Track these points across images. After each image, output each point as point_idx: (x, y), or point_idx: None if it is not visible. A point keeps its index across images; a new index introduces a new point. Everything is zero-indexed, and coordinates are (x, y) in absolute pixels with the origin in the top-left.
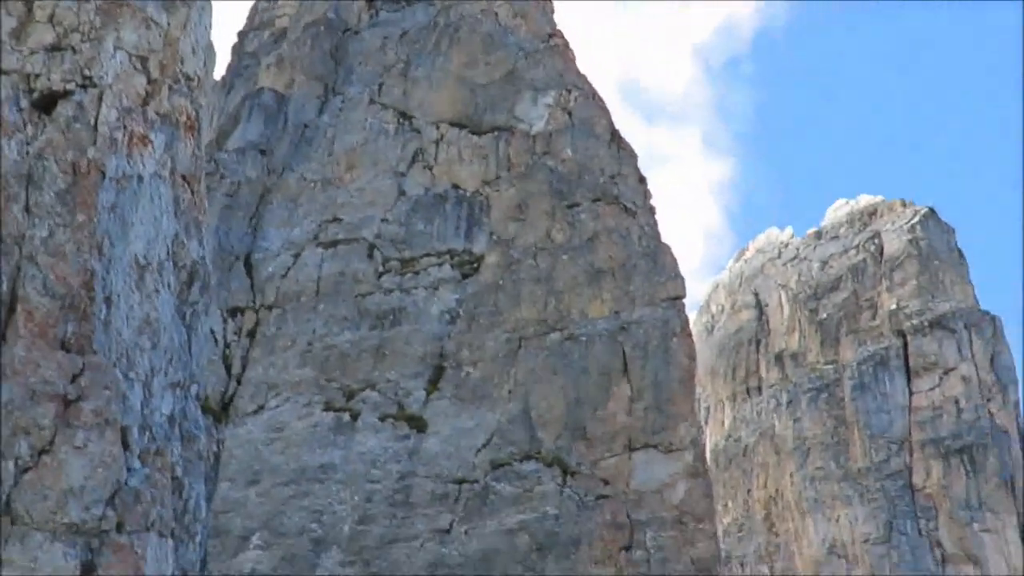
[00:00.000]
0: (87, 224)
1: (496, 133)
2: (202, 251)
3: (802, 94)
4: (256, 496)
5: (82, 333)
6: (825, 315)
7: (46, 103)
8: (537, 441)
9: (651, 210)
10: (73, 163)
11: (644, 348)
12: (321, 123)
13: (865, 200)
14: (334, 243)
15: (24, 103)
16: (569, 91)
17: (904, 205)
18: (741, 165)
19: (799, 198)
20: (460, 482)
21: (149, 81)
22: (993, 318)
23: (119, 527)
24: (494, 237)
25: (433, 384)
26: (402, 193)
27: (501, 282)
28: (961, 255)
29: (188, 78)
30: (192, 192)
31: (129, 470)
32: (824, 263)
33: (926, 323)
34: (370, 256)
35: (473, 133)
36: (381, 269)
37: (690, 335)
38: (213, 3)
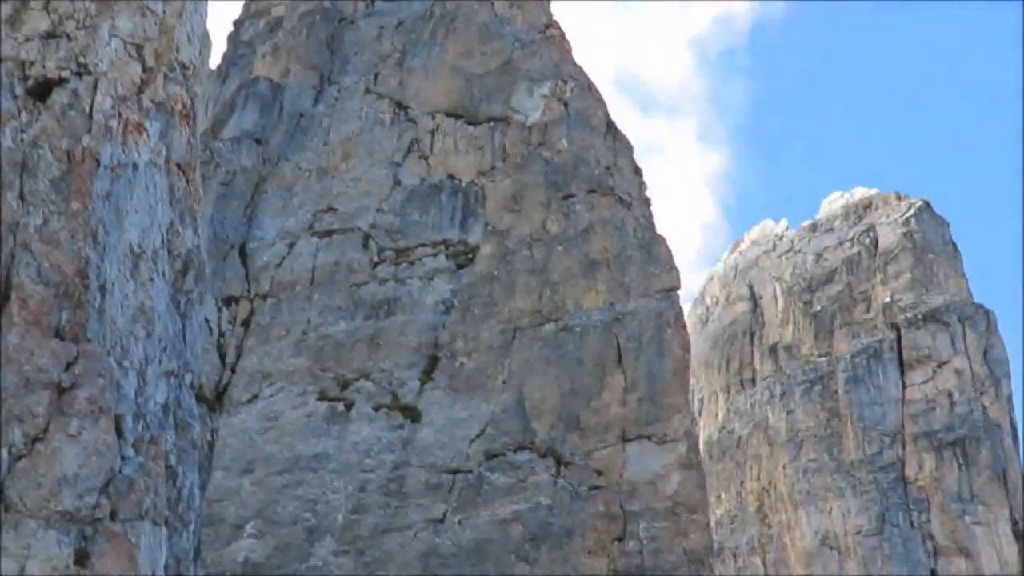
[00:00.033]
0: (82, 212)
1: (492, 123)
2: (197, 240)
3: (798, 87)
4: (250, 485)
5: (76, 321)
6: (819, 307)
7: (41, 90)
8: (531, 432)
9: (646, 201)
10: (68, 151)
11: (638, 339)
12: (316, 112)
13: (860, 193)
14: (329, 232)
15: (19, 90)
16: (565, 82)
17: (899, 198)
18: (737, 157)
19: (794, 190)
20: (454, 472)
21: (144, 69)
22: (987, 311)
23: (113, 515)
24: (489, 228)
25: (427, 374)
26: (397, 183)
27: (496, 273)
28: (955, 248)
29: (183, 66)
30: (187, 180)
31: (123, 458)
32: (819, 256)
33: (920, 316)
34: (365, 246)
35: (469, 123)
36: (376, 259)
37: (684, 327)
38: None
